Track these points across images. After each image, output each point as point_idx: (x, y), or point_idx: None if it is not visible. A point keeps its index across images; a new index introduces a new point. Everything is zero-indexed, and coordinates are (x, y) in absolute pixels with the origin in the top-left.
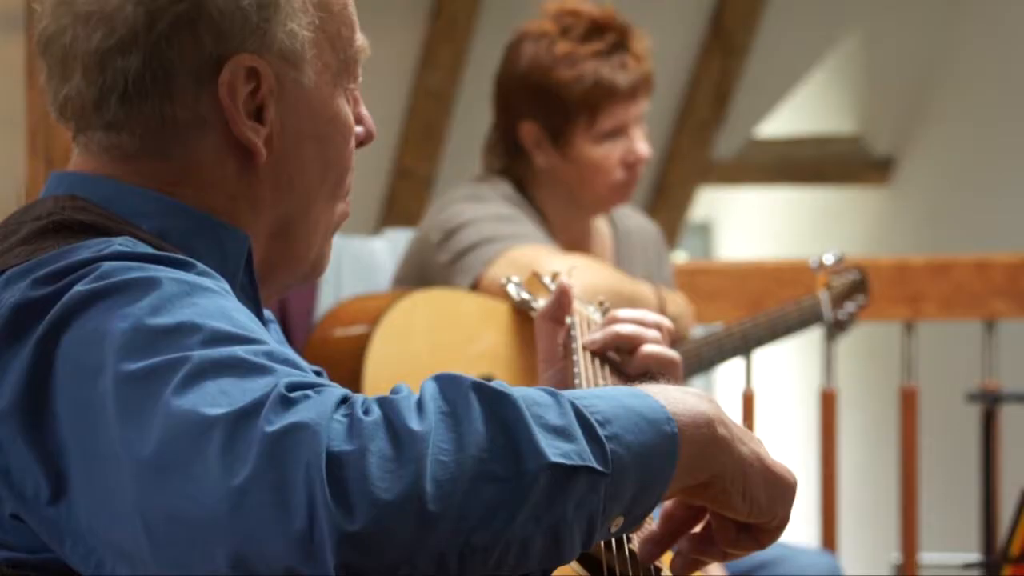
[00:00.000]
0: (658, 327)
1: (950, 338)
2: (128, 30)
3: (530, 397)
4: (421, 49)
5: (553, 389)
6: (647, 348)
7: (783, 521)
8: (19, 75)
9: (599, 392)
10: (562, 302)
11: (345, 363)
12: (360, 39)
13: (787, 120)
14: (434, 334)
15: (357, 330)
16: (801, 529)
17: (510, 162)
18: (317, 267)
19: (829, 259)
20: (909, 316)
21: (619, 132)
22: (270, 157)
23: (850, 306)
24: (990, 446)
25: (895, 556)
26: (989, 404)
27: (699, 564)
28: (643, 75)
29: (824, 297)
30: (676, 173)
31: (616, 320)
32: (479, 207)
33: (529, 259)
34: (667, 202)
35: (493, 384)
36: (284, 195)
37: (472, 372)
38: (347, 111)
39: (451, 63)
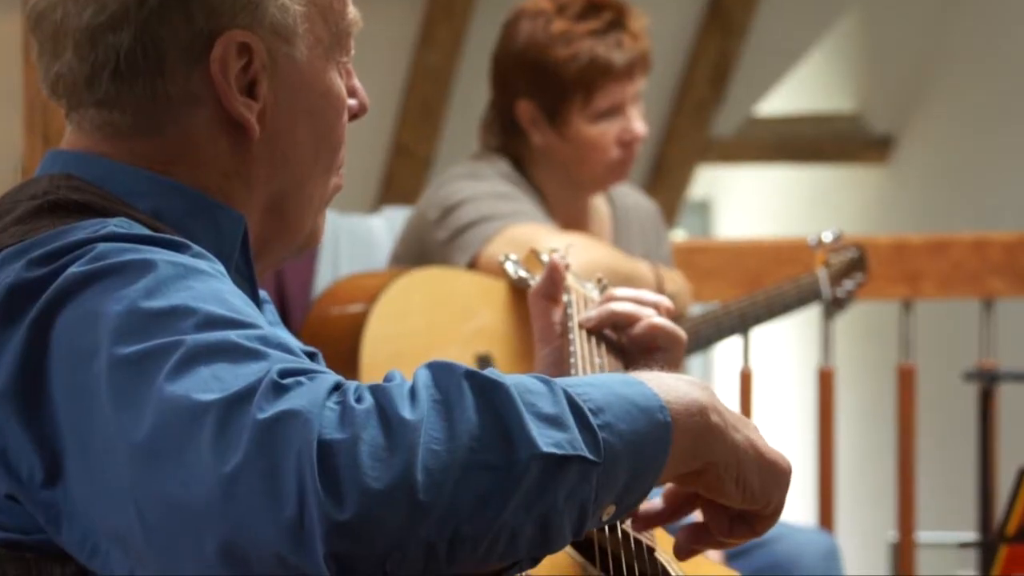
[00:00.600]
0: (656, 306)
1: (948, 317)
2: (119, 6)
3: (523, 385)
4: (419, 27)
5: (547, 376)
6: (656, 320)
7: (778, 508)
8: (16, 52)
9: (592, 380)
10: (554, 279)
11: (343, 341)
12: (352, 12)
13: (786, 98)
14: (432, 312)
15: (354, 308)
16: (798, 508)
17: (507, 140)
18: (311, 240)
19: (828, 237)
20: (907, 295)
21: (615, 111)
22: (263, 133)
23: (848, 284)
24: (987, 425)
25: (892, 535)
26: (987, 383)
27: (696, 552)
28: (639, 54)
29: (822, 275)
30: (675, 151)
31: (613, 298)
32: (477, 185)
33: (527, 237)
34: (666, 180)
35: (486, 372)
36: (278, 170)
37: (470, 350)
38: (340, 85)
39: (449, 41)
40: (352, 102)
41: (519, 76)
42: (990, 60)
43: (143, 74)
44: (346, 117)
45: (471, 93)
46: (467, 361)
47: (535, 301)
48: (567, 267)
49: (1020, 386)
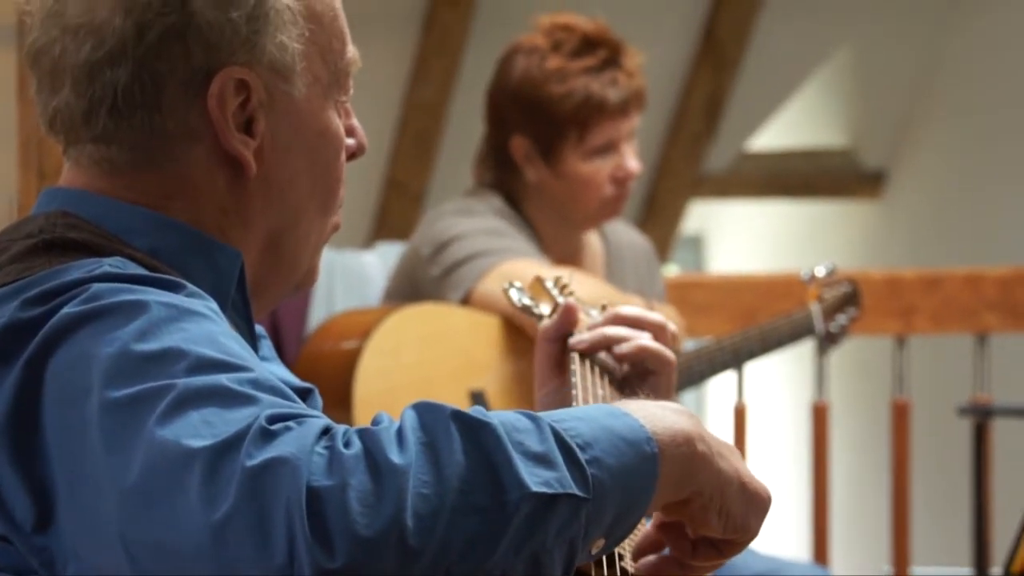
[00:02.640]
0: (655, 327)
1: (942, 352)
2: (117, 42)
3: (510, 423)
4: (413, 62)
5: (533, 413)
6: (645, 342)
7: (754, 536)
8: (11, 87)
9: (579, 413)
10: (569, 321)
11: (336, 377)
12: (351, 51)
13: (778, 133)
14: (425, 349)
15: (348, 344)
16: (793, 542)
17: (501, 176)
18: (307, 279)
19: (821, 271)
20: (901, 330)
21: (609, 148)
22: (260, 170)
23: (842, 319)
24: (982, 460)
25: (887, 569)
26: (981, 418)
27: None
28: (634, 91)
29: (816, 310)
30: (668, 186)
31: (609, 320)
32: (470, 221)
33: (520, 273)
34: (659, 215)
35: (473, 412)
36: (274, 208)
37: (463, 386)
38: (338, 124)
39: (443, 76)
40: (351, 142)
41: (514, 112)
42: (982, 94)
43: (140, 109)
44: (344, 156)
45: (465, 128)
46: (460, 397)
47: (543, 344)
48: (570, 296)
49: (1014, 421)
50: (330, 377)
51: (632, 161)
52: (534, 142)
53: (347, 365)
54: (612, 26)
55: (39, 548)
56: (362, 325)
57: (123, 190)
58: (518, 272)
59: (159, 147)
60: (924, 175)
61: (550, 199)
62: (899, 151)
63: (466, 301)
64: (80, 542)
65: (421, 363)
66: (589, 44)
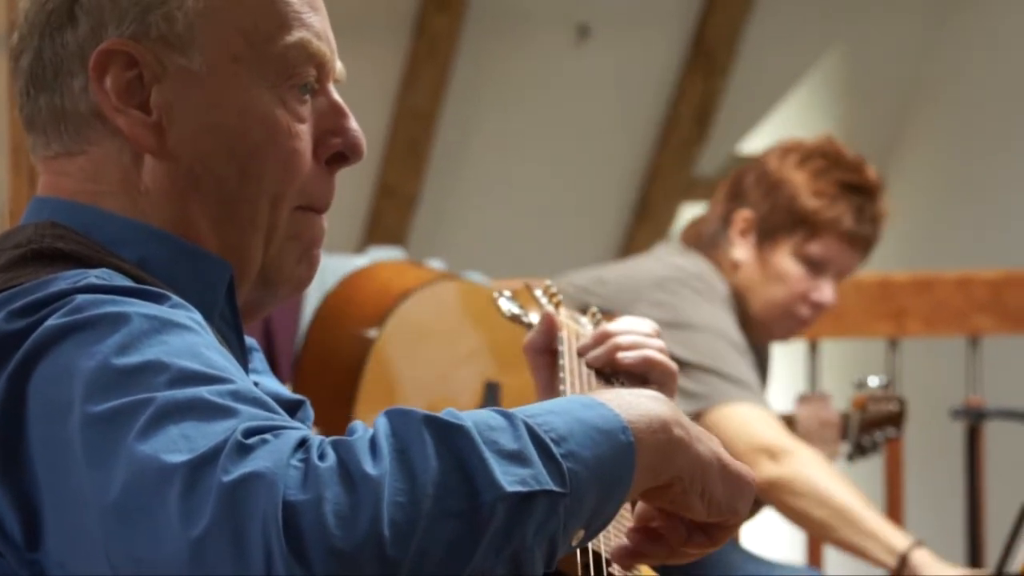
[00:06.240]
0: (658, 336)
1: (934, 354)
2: (28, 27)
3: (483, 422)
4: (404, 68)
5: (506, 410)
6: (651, 353)
7: (741, 519)
8: (2, 93)
9: (553, 407)
10: (550, 332)
11: (348, 359)
12: (296, 37)
13: (770, 137)
14: (451, 330)
15: (367, 324)
16: (787, 545)
17: (710, 241)
18: (275, 276)
19: (874, 382)
20: (893, 332)
21: (819, 266)
22: (165, 147)
23: (879, 435)
24: (975, 462)
25: (881, 573)
26: (973, 420)
27: (645, 559)
28: (873, 235)
29: (855, 419)
30: (659, 190)
31: (610, 334)
32: (712, 311)
33: (755, 418)
34: (650, 219)
35: (444, 415)
36: (191, 191)
37: (480, 376)
38: (269, 106)
39: (434, 81)
40: (335, 140)
41: (757, 188)
42: (973, 97)
43: (45, 91)
44: (292, 143)
45: (455, 133)
46: (475, 386)
47: (530, 355)
48: (558, 304)
49: (1007, 423)
50: (342, 357)
51: (828, 291)
52: (760, 220)
53: (360, 350)
54: (603, 32)
55: (29, 562)
56: (381, 305)
57: (61, 177)
58: (753, 417)
59: (72, 131)
60: (915, 178)
61: (740, 281)
62: (890, 154)
63: (698, 416)
64: (67, 556)
65: (446, 342)
66: (857, 171)
